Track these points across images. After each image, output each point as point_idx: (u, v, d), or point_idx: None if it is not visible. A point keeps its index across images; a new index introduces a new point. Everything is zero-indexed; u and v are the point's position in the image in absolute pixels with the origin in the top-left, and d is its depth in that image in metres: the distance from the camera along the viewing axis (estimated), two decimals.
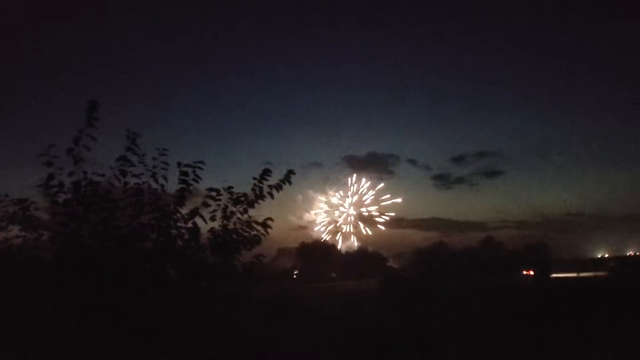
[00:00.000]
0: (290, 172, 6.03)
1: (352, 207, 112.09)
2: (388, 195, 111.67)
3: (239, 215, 5.89)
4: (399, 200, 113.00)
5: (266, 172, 5.91)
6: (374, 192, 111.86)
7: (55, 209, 5.48)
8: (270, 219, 6.00)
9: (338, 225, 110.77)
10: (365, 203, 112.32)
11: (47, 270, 5.45)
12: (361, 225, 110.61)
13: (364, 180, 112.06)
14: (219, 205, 5.87)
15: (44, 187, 5.48)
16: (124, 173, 5.71)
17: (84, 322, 5.11)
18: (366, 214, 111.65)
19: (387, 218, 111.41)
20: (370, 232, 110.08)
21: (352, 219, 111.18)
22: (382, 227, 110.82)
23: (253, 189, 5.90)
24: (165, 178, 5.89)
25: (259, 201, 5.93)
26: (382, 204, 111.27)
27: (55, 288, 5.36)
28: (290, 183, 6.03)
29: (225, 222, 5.85)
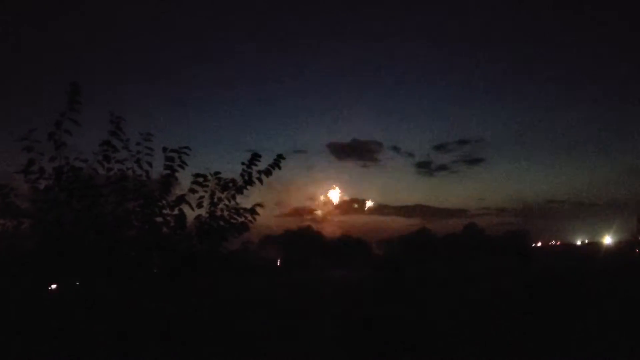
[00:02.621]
0: (280, 157, 5.89)
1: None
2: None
3: (226, 201, 5.75)
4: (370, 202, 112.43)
5: (255, 157, 5.77)
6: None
7: (36, 196, 5.29)
8: (260, 205, 5.87)
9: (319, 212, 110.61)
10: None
11: (28, 259, 5.28)
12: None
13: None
14: (205, 191, 5.72)
15: (24, 173, 5.28)
16: (107, 158, 5.53)
17: (66, 312, 4.98)
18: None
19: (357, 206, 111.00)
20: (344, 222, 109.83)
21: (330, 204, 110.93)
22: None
23: (242, 175, 5.76)
24: (149, 164, 5.73)
25: (248, 187, 5.79)
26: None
27: (36, 278, 5.19)
28: (279, 168, 5.89)
29: (212, 208, 5.71)
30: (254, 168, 5.77)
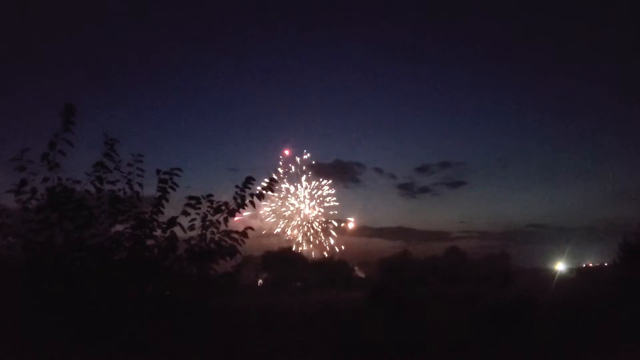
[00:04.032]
0: (273, 181, 5.93)
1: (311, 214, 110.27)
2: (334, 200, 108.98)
3: (217, 224, 5.75)
4: (351, 221, 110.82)
5: (249, 180, 5.80)
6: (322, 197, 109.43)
7: (27, 216, 5.26)
8: (251, 228, 5.89)
9: (301, 231, 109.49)
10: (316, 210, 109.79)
11: (18, 279, 5.23)
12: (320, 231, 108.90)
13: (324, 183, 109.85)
14: (198, 214, 5.73)
15: (15, 192, 5.26)
16: (100, 180, 5.53)
17: (55, 335, 4.91)
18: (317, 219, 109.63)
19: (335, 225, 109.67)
20: (327, 242, 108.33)
21: (312, 225, 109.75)
22: (334, 234, 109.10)
23: (235, 198, 5.78)
24: (140, 185, 5.74)
25: (240, 210, 5.81)
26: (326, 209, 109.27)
27: (25, 298, 5.13)
28: (272, 191, 5.93)
29: (203, 231, 5.71)
30: (247, 191, 5.80)
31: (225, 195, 5.92)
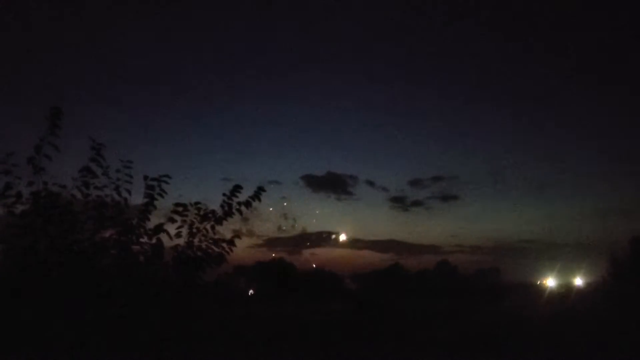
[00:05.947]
0: (260, 189, 5.89)
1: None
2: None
3: (204, 232, 5.71)
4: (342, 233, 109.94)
5: (236, 189, 5.76)
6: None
7: (11, 221, 5.19)
8: (238, 236, 5.85)
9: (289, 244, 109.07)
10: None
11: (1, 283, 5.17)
12: None
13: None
14: (184, 221, 5.68)
15: None
16: (86, 185, 5.47)
17: (39, 339, 4.85)
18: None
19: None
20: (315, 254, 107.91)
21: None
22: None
23: (222, 206, 5.74)
24: (128, 191, 5.69)
25: (227, 218, 5.77)
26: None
27: (8, 304, 5.06)
28: (260, 200, 5.89)
29: (190, 238, 5.66)
30: (235, 199, 5.76)
31: (216, 204, 5.88)
